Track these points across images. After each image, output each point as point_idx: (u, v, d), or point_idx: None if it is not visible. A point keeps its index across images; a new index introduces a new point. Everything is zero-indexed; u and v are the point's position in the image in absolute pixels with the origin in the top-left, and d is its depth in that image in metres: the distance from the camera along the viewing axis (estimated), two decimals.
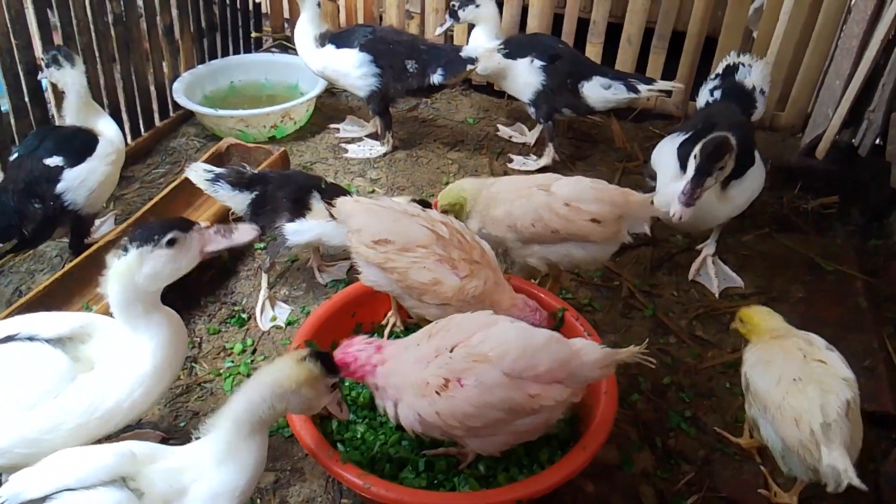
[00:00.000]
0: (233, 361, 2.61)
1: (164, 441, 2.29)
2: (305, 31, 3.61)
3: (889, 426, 2.47)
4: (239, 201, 2.72)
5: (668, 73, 4.13)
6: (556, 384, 1.89)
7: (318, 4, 3.59)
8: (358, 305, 2.47)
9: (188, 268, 1.91)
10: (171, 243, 1.84)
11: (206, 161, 3.37)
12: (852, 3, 3.54)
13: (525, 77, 3.59)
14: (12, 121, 3.02)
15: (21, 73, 2.98)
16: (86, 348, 1.89)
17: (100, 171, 2.83)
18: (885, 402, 2.51)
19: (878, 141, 3.49)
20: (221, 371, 2.56)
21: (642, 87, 3.48)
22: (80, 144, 2.82)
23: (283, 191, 2.69)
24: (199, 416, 2.39)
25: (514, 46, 3.65)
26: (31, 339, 1.86)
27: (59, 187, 2.74)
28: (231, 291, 2.91)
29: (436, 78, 3.54)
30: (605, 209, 2.44)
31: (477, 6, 3.66)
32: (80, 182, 2.78)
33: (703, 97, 3.22)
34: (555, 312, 2.40)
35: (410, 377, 1.89)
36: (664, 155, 2.89)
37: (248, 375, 2.54)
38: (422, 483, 2.04)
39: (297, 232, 2.67)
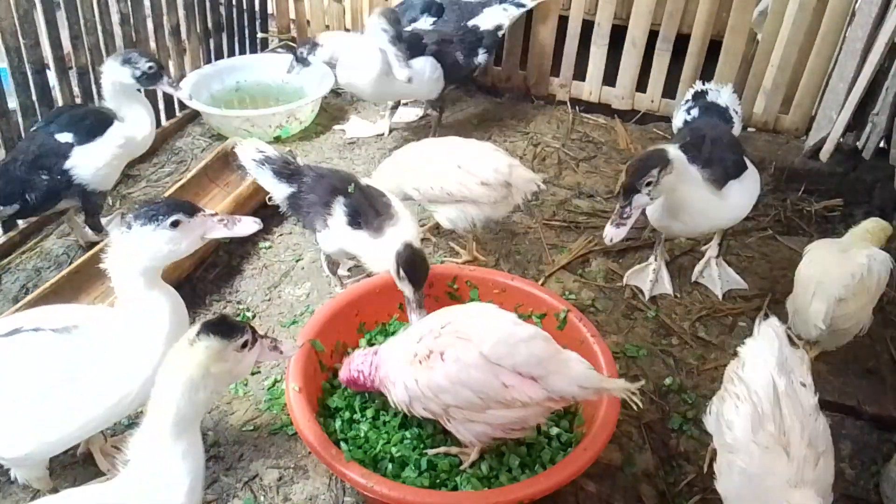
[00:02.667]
0: None
1: None
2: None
3: (892, 429, 2.47)
4: (279, 191, 2.74)
5: (673, 76, 4.14)
6: (532, 382, 1.90)
7: None
8: (362, 305, 2.47)
9: (188, 251, 1.94)
10: (174, 225, 1.86)
11: (213, 161, 3.40)
12: (856, 6, 3.54)
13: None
14: (20, 119, 3.04)
15: (29, 72, 2.99)
16: (92, 337, 1.92)
17: (108, 152, 2.89)
18: (887, 406, 2.52)
19: (881, 144, 3.49)
20: None
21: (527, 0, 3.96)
22: (92, 124, 2.89)
23: (314, 194, 2.66)
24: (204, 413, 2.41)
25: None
26: (36, 330, 1.89)
27: (67, 163, 2.82)
28: (236, 290, 2.93)
29: (480, 59, 3.82)
30: (492, 175, 2.72)
31: (322, 46, 3.65)
32: (87, 160, 2.84)
33: (680, 117, 3.22)
34: (558, 313, 2.41)
35: (403, 351, 2.00)
36: None
37: (253, 373, 2.56)
38: (424, 482, 2.05)
39: (325, 242, 2.69)
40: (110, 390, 1.89)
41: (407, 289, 2.35)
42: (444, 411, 1.96)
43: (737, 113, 3.16)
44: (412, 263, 2.34)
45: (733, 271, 3.09)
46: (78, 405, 1.85)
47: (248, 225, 2.00)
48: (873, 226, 2.57)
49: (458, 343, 1.93)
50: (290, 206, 2.73)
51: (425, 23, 3.87)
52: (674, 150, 2.47)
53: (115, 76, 2.90)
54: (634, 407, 1.90)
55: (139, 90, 2.99)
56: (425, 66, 3.58)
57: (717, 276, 3.05)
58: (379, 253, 2.48)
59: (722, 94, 3.21)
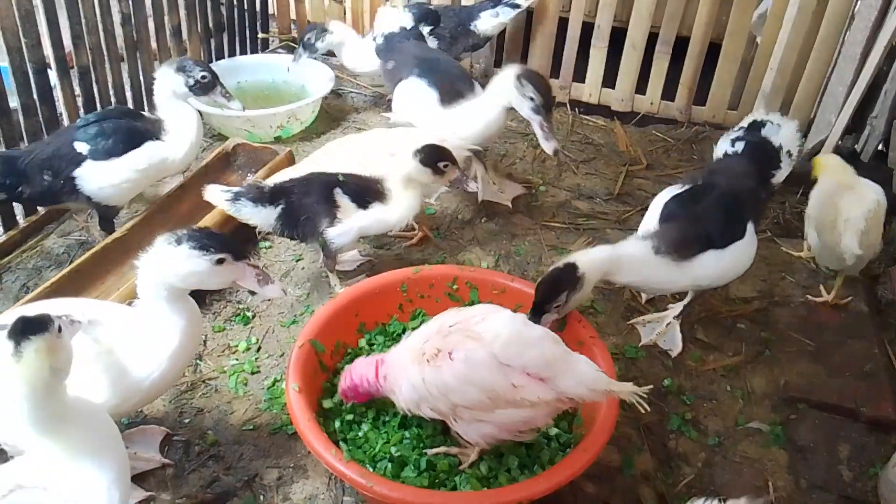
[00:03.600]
0: (237, 359, 2.63)
1: (167, 437, 2.32)
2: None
3: (890, 431, 2.48)
4: (264, 217, 2.70)
5: (672, 78, 4.16)
6: (541, 382, 1.90)
7: None
8: (362, 305, 2.48)
9: (216, 286, 2.07)
10: (219, 262, 1.94)
11: (213, 161, 3.41)
12: (855, 9, 3.55)
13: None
14: (21, 119, 3.04)
15: (30, 72, 3.00)
16: (102, 332, 1.93)
17: (119, 174, 2.85)
18: (885, 408, 2.53)
19: (880, 147, 3.51)
20: (226, 368, 2.58)
21: (521, 1, 3.97)
22: (114, 144, 2.84)
23: (309, 197, 2.69)
24: (204, 413, 2.42)
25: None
26: None
27: (76, 171, 2.80)
28: (236, 290, 2.93)
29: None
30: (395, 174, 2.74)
31: (331, 33, 3.82)
32: (95, 176, 2.82)
33: (722, 147, 2.88)
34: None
35: (410, 352, 2.01)
36: (652, 207, 2.64)
37: (253, 373, 2.56)
38: (423, 482, 2.05)
39: (341, 234, 2.69)
40: (115, 392, 1.91)
41: (425, 175, 2.69)
42: (451, 411, 1.96)
43: (790, 156, 2.82)
44: (436, 151, 2.69)
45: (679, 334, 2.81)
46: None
47: (275, 290, 2.09)
48: (834, 161, 3.00)
49: (468, 342, 1.93)
50: (283, 224, 2.71)
51: (423, 32, 3.89)
52: (586, 261, 2.29)
53: (169, 83, 2.91)
54: (642, 410, 1.91)
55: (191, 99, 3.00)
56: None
57: (678, 333, 2.80)
58: (400, 212, 2.72)
59: (782, 130, 2.85)
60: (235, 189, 2.72)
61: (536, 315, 2.25)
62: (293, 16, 4.82)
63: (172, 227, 3.01)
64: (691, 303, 2.79)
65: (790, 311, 2.96)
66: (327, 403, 2.25)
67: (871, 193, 2.81)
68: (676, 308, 2.82)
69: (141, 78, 3.68)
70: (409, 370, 1.98)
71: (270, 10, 4.83)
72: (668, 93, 4.20)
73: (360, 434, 2.18)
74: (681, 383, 2.63)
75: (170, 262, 1.91)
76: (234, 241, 2.04)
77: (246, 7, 4.50)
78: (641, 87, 4.24)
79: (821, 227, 2.82)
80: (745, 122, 2.97)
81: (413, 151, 2.66)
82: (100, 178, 2.82)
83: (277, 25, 4.87)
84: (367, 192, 2.72)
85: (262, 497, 2.17)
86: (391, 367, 2.05)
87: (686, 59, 4.08)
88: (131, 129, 2.91)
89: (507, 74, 3.00)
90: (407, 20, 3.73)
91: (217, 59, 4.28)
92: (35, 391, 1.51)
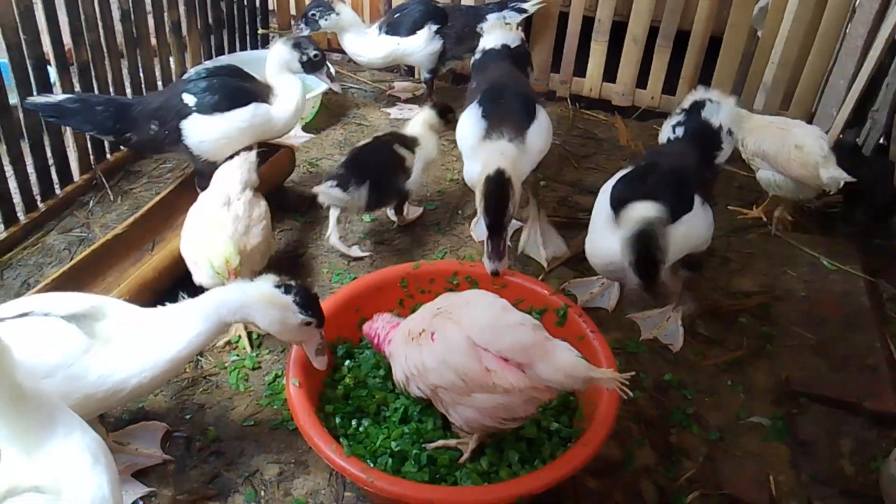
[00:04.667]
0: (238, 355, 2.63)
1: (168, 433, 2.32)
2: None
3: (892, 425, 2.48)
4: (358, 196, 2.92)
5: (673, 72, 4.14)
6: (517, 369, 1.89)
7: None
8: (362, 301, 2.48)
9: (280, 337, 2.10)
10: (307, 324, 2.04)
11: None
12: (857, 3, 3.54)
13: (428, 47, 3.86)
14: (21, 115, 3.04)
15: (30, 68, 2.99)
16: (100, 326, 1.92)
17: (221, 130, 2.96)
18: (886, 401, 2.53)
19: (881, 140, 3.50)
20: (227, 364, 2.58)
21: (527, 5, 4.00)
22: (221, 99, 2.95)
23: (381, 160, 3.01)
24: (205, 409, 2.42)
25: (398, 24, 3.90)
26: (45, 315, 1.89)
27: (182, 123, 2.93)
28: None
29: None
30: None
31: (338, 14, 3.78)
32: (198, 129, 2.94)
33: (666, 133, 2.86)
34: (558, 309, 2.42)
35: (403, 331, 2.07)
36: (601, 193, 2.61)
37: (253, 369, 2.57)
38: (424, 477, 2.05)
39: (414, 180, 3.10)
40: (105, 383, 1.89)
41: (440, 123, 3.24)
42: (432, 392, 1.99)
43: (731, 134, 2.80)
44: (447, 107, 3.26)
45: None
46: (72, 389, 1.84)
47: (322, 362, 2.16)
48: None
49: (448, 325, 1.96)
50: (374, 194, 2.95)
51: (430, 30, 3.88)
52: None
53: (283, 56, 3.06)
54: (624, 396, 1.87)
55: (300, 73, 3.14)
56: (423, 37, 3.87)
57: (679, 326, 2.79)
58: (432, 149, 3.20)
59: (722, 109, 2.78)
60: (332, 181, 2.89)
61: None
62: (293, 11, 4.82)
63: (173, 224, 3.08)
64: (685, 291, 2.79)
65: (791, 306, 2.95)
66: (333, 397, 2.26)
67: (800, 126, 3.19)
68: (672, 300, 2.82)
69: (141, 74, 3.68)
70: (400, 348, 2.04)
71: (270, 6, 4.83)
72: (669, 87, 4.19)
73: (361, 429, 2.18)
74: (682, 377, 2.62)
75: (263, 302, 1.99)
76: (321, 310, 2.10)
77: (246, 3, 4.49)
78: (642, 81, 4.24)
79: (788, 162, 3.11)
80: (685, 104, 2.90)
81: (430, 104, 3.26)
82: (202, 131, 2.93)
83: (277, 21, 4.87)
84: (409, 141, 3.12)
85: (262, 493, 2.18)
86: (394, 339, 2.11)
87: (687, 53, 4.07)
88: (239, 88, 3.04)
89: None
90: (512, 38, 3.35)
91: (217, 55, 4.28)
92: None
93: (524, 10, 4.00)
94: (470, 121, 2.83)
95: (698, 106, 2.82)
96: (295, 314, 2.00)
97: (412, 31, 3.89)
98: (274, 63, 3.09)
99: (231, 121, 2.95)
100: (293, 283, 2.05)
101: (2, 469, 1.58)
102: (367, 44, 3.94)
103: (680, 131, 2.79)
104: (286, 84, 3.09)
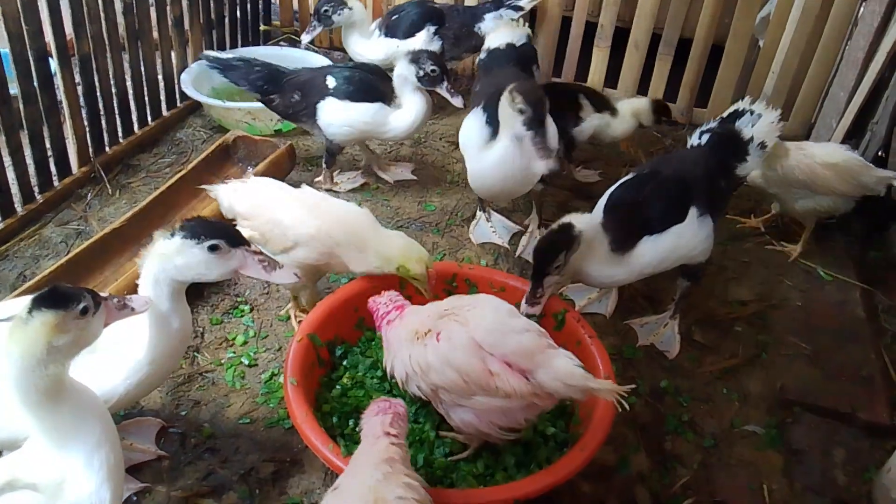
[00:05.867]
0: (234, 352, 2.62)
1: (163, 429, 2.31)
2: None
3: (885, 436, 2.49)
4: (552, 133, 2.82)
5: (675, 80, 4.16)
6: (520, 375, 1.90)
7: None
8: (361, 300, 2.47)
9: (217, 277, 1.96)
10: (212, 248, 1.89)
11: (213, 153, 3.40)
12: (859, 15, 3.56)
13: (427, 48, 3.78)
14: (21, 106, 3.02)
15: (31, 59, 2.98)
16: None
17: (346, 119, 3.21)
18: (880, 412, 2.54)
19: (880, 153, 3.51)
20: (223, 361, 2.58)
21: (523, 3, 3.96)
22: (357, 90, 3.22)
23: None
24: (201, 405, 2.41)
25: (396, 27, 3.91)
26: None
27: (319, 102, 3.24)
28: (234, 283, 2.93)
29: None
30: None
31: (350, 9, 3.76)
32: (329, 111, 3.23)
33: (693, 138, 2.85)
34: (556, 313, 2.42)
35: (407, 329, 2.05)
36: (601, 200, 2.64)
37: (250, 366, 2.56)
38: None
39: (579, 131, 3.37)
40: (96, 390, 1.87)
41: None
42: (433, 392, 1.98)
43: (763, 148, 2.73)
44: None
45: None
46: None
47: (286, 275, 2.00)
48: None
49: (454, 325, 1.96)
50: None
51: (428, 32, 3.88)
52: (582, 222, 2.33)
53: (402, 71, 3.16)
54: (620, 409, 1.88)
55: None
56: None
57: (676, 333, 2.78)
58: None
59: (760, 121, 2.75)
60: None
61: (538, 280, 2.28)
62: (295, 7, 4.81)
63: (170, 220, 3.07)
64: (682, 300, 2.79)
65: (787, 315, 2.97)
66: (330, 397, 2.26)
67: (812, 145, 3.16)
68: (671, 308, 2.83)
69: (142, 68, 3.67)
70: (403, 347, 2.03)
71: (273, 2, 4.82)
72: (670, 94, 4.20)
73: (358, 429, 2.17)
74: (677, 384, 2.63)
75: (166, 255, 1.89)
76: (228, 228, 1.97)
77: None
78: (643, 87, 4.24)
79: (821, 184, 3.05)
80: (726, 112, 2.91)
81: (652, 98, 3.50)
82: (332, 114, 3.21)
83: (279, 18, 4.86)
84: (605, 103, 3.47)
85: (257, 491, 2.17)
86: (393, 333, 2.10)
87: (688, 61, 4.08)
88: (374, 85, 3.25)
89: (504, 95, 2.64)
90: (518, 36, 3.36)
91: (219, 50, 4.26)
92: (24, 360, 1.48)
93: (520, 8, 3.99)
94: (474, 125, 2.85)
95: (735, 115, 2.84)
96: (192, 248, 1.88)
97: (411, 33, 3.89)
98: (397, 74, 3.19)
99: (356, 112, 3.19)
100: (179, 223, 1.94)
101: (4, 461, 1.59)
102: (369, 44, 3.94)
103: (705, 138, 2.79)
104: (410, 99, 3.21)
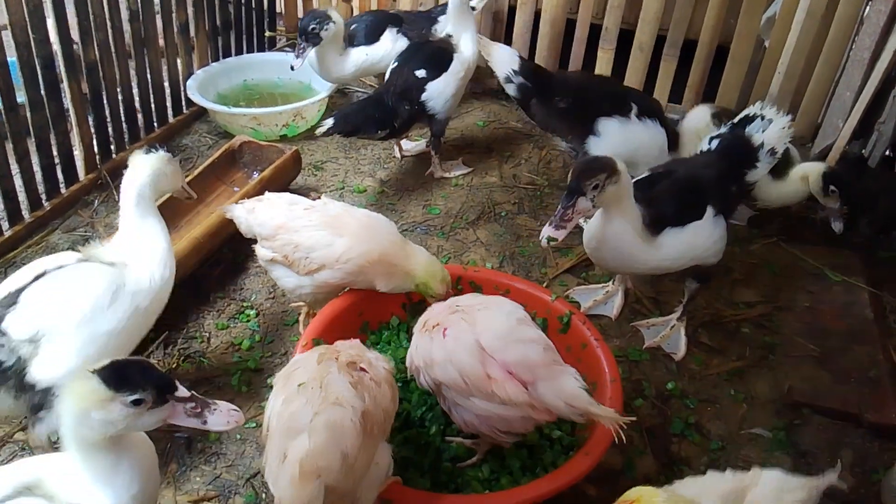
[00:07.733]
0: (240, 357, 2.63)
1: (170, 434, 2.32)
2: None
3: (893, 438, 2.47)
4: None
5: (679, 81, 4.14)
6: (518, 382, 1.89)
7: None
8: (365, 305, 2.48)
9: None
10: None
11: (219, 158, 3.41)
12: (864, 15, 3.54)
13: (395, 47, 3.79)
14: (28, 113, 3.05)
15: (38, 67, 3.00)
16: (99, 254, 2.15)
17: (452, 84, 3.42)
18: (888, 414, 2.52)
19: (887, 152, 3.50)
20: (229, 366, 2.59)
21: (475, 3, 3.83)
22: (439, 61, 3.43)
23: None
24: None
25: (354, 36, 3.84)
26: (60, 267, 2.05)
27: (423, 95, 3.39)
28: (240, 287, 2.94)
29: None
30: None
31: (335, 22, 3.57)
32: (437, 93, 3.40)
33: (704, 143, 2.84)
34: (562, 316, 2.41)
35: (421, 321, 2.10)
36: None
37: (256, 370, 2.57)
38: (426, 484, 2.05)
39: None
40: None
41: None
42: (436, 386, 2.00)
43: (773, 154, 2.72)
44: None
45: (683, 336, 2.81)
46: (111, 324, 2.01)
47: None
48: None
49: (462, 325, 1.97)
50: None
51: (392, 32, 3.82)
52: (623, 166, 2.29)
53: (455, 2, 3.36)
54: (617, 440, 1.86)
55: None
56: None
57: (682, 335, 2.78)
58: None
59: (770, 127, 2.74)
60: None
61: (571, 197, 2.20)
62: (300, 14, 4.82)
63: (176, 226, 3.08)
64: (690, 301, 2.78)
65: (795, 316, 2.95)
66: None
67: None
68: (678, 310, 2.81)
69: (148, 75, 3.69)
70: (414, 336, 2.07)
71: (278, 9, 4.84)
72: (676, 95, 4.18)
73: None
74: (684, 387, 2.62)
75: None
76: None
77: (253, 5, 4.50)
78: (648, 89, 4.23)
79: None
80: (736, 118, 2.88)
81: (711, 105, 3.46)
82: (441, 93, 3.39)
83: (284, 24, 4.88)
84: (656, 111, 3.35)
85: (263, 495, 2.17)
86: (415, 327, 2.14)
87: (694, 63, 4.07)
88: (440, 49, 3.47)
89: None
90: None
91: (224, 56, 4.29)
92: (71, 409, 1.47)
93: (472, 8, 3.75)
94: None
95: (746, 121, 2.80)
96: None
97: (374, 38, 3.80)
98: (453, 8, 3.41)
99: (453, 75, 3.41)
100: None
101: (37, 460, 1.61)
102: (340, 59, 3.77)
103: (715, 143, 2.75)
104: (465, 28, 3.45)
